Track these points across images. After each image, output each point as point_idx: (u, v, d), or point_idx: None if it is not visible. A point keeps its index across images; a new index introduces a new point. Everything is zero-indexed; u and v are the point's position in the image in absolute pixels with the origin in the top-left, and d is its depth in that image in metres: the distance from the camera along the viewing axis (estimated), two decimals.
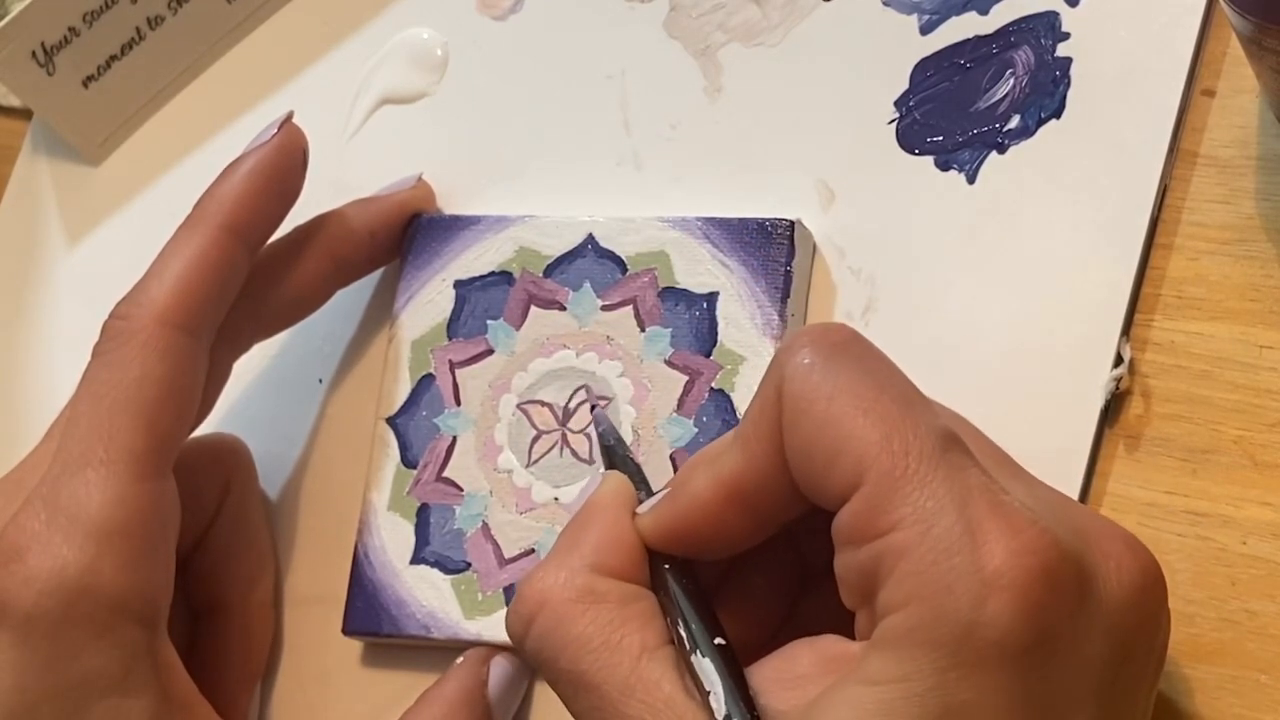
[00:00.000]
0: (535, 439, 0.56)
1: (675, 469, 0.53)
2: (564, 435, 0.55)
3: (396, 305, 0.59)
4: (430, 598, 0.55)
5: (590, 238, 0.57)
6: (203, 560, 0.57)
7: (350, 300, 0.61)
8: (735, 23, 0.59)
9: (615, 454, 0.51)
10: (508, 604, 0.54)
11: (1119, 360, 0.50)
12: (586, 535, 0.46)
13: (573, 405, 0.55)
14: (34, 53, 0.64)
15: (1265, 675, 0.47)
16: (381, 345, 0.60)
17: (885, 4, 0.57)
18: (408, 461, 0.57)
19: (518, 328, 0.57)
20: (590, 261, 0.56)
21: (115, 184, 0.67)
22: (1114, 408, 0.50)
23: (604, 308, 0.56)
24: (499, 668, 0.54)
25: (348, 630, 0.56)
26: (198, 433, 0.56)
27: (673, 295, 0.55)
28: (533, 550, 0.54)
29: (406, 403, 0.57)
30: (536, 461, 0.55)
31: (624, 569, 0.46)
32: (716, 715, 0.42)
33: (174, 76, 0.67)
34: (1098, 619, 0.41)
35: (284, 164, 0.56)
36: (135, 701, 0.50)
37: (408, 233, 0.59)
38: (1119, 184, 0.51)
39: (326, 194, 0.61)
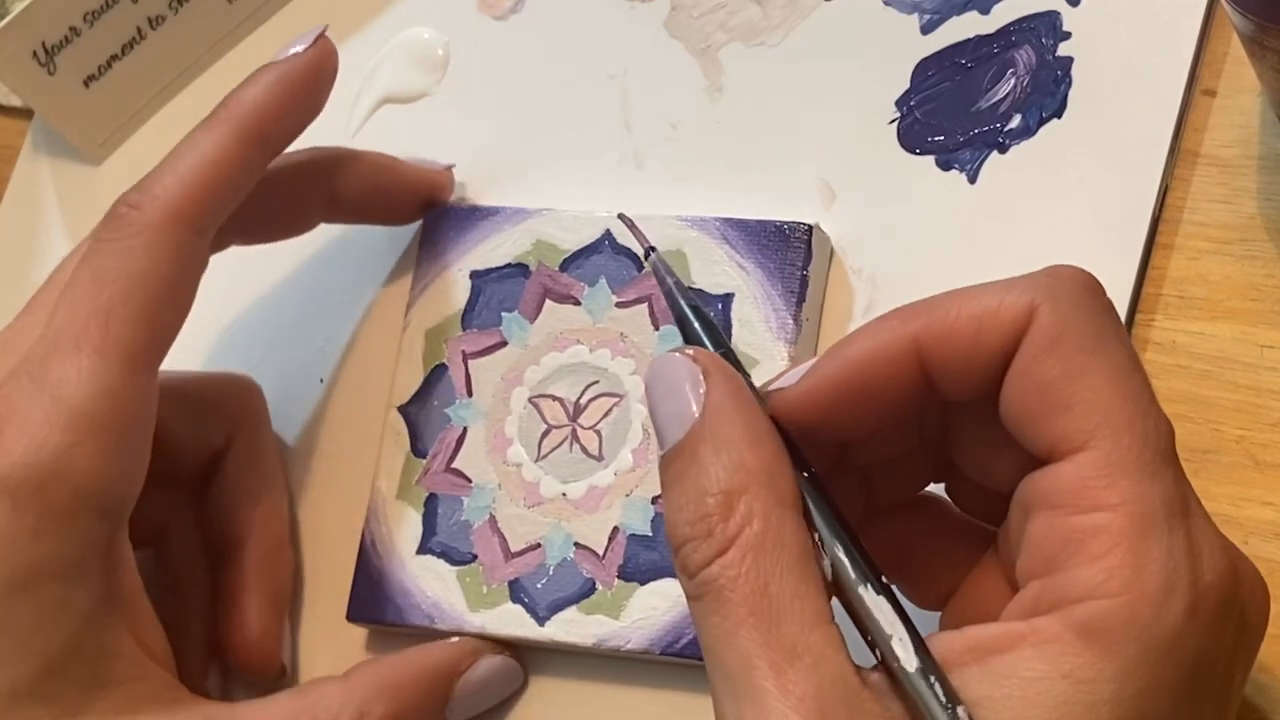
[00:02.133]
0: (545, 433, 0.55)
1: None
2: (574, 431, 0.55)
3: (412, 293, 0.59)
4: (435, 588, 0.55)
5: (608, 234, 0.57)
6: (218, 497, 0.57)
7: (360, 294, 0.61)
8: (736, 22, 0.59)
9: (697, 316, 0.45)
10: (511, 598, 0.54)
11: None
12: (739, 452, 0.41)
13: (584, 401, 0.55)
14: (34, 52, 0.64)
15: (1266, 675, 0.47)
16: (390, 339, 0.59)
17: (886, 3, 0.57)
18: (418, 451, 0.57)
19: (532, 321, 0.57)
20: (607, 257, 0.56)
21: (115, 184, 0.66)
22: None
23: (618, 304, 0.56)
24: (484, 665, 0.54)
25: (352, 617, 0.56)
26: (209, 367, 0.56)
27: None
28: (539, 545, 0.54)
29: (419, 392, 0.57)
30: (546, 456, 0.55)
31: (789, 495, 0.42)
32: (903, 664, 0.39)
33: (174, 76, 0.67)
34: (1244, 643, 0.41)
35: (312, 77, 0.56)
36: (80, 592, 0.50)
37: (426, 221, 0.59)
38: (1120, 183, 0.51)
39: None
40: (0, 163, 0.70)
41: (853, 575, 0.41)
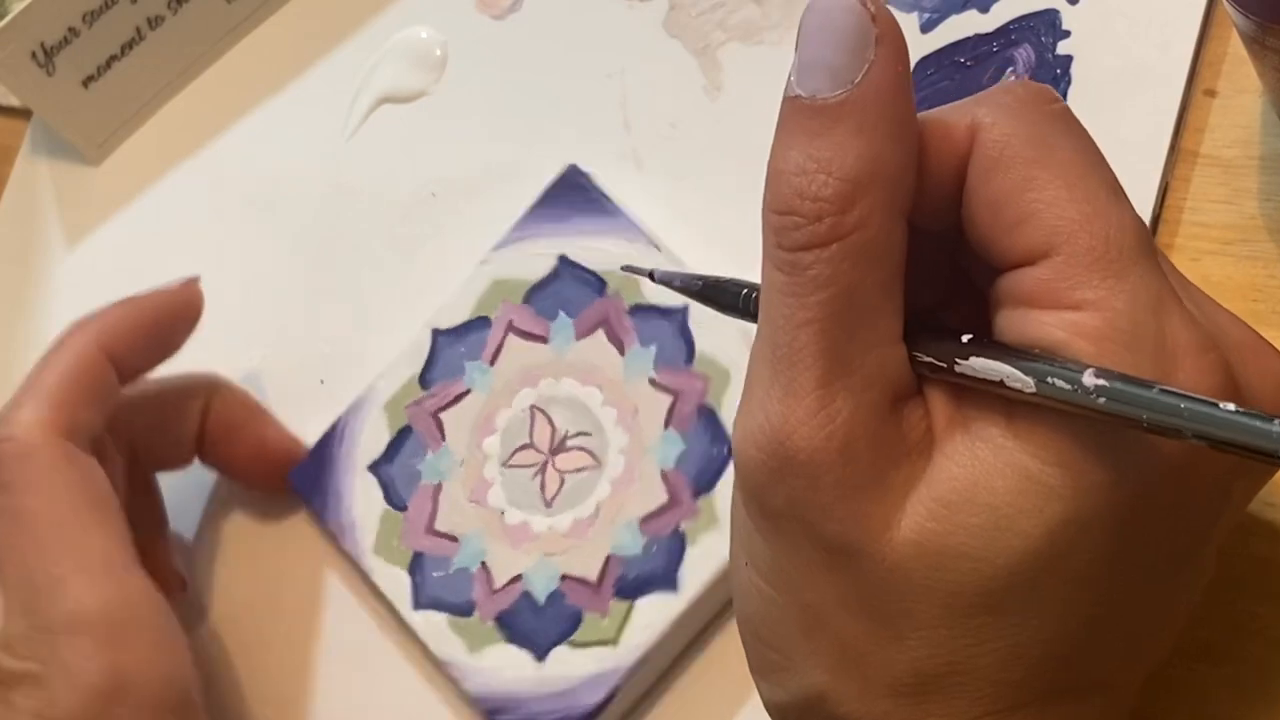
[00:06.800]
0: (523, 447, 0.55)
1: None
2: (547, 464, 0.55)
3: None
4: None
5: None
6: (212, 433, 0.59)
7: (363, 295, 0.61)
8: (735, 21, 0.59)
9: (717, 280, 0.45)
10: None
11: None
12: None
13: (569, 444, 0.55)
14: (34, 53, 0.64)
15: (1268, 676, 0.47)
16: (393, 338, 0.59)
17: (885, 2, 0.56)
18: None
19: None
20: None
21: (115, 184, 0.67)
22: None
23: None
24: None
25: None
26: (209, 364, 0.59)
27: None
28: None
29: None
30: (511, 465, 0.55)
31: None
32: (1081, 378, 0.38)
33: (174, 76, 0.67)
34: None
35: (173, 311, 0.58)
36: None
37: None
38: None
39: (327, 194, 0.61)
40: (0, 163, 0.70)
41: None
